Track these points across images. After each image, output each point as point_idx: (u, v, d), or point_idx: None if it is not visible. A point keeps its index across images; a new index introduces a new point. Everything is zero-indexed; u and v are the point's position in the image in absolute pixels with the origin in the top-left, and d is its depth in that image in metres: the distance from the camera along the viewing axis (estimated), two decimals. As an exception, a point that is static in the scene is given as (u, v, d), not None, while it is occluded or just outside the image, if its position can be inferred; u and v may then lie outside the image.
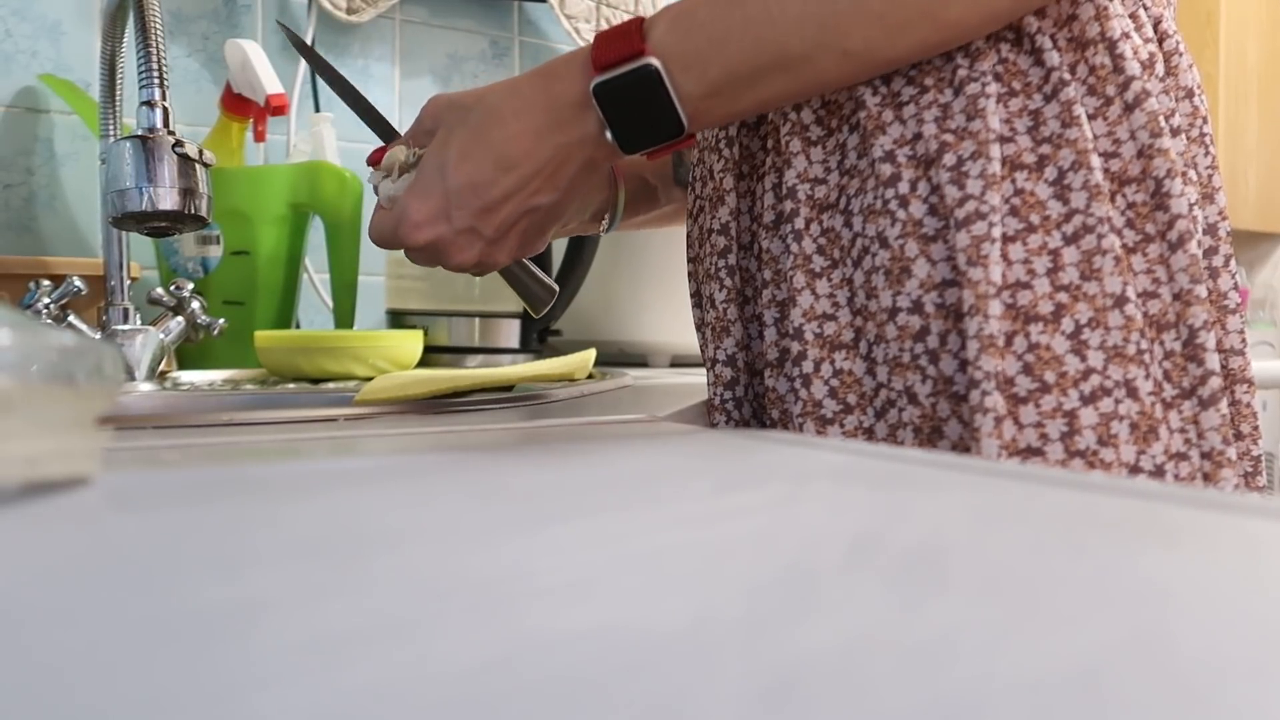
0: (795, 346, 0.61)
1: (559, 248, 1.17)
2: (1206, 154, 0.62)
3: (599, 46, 0.57)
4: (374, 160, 0.67)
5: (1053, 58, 0.57)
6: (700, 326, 0.72)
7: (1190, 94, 0.61)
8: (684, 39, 0.57)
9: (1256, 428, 0.61)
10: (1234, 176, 2.52)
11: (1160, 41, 0.62)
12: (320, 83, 1.45)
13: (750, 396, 0.68)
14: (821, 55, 0.56)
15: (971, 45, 0.57)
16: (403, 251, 0.65)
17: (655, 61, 0.56)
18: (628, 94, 0.57)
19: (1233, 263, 0.61)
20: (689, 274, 0.73)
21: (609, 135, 0.58)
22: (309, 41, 1.43)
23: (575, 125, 0.59)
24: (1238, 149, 2.53)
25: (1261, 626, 0.19)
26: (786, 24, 0.55)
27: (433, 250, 0.62)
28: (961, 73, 0.57)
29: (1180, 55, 0.62)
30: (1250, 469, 0.61)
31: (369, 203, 1.25)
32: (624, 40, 0.57)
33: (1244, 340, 0.61)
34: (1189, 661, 0.16)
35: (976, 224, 0.55)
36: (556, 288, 0.77)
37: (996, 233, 0.55)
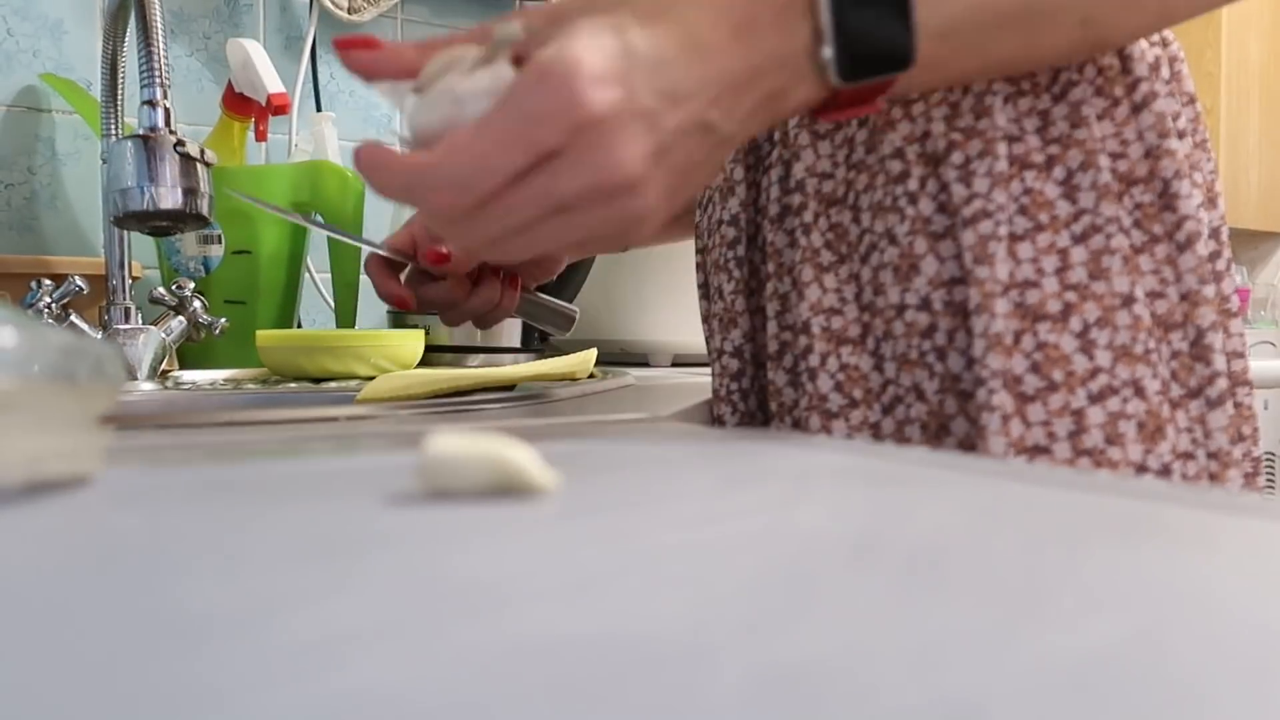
0: (802, 340, 0.61)
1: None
2: (1209, 159, 0.62)
3: None
4: (344, 45, 0.47)
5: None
6: (707, 318, 0.72)
7: (1192, 100, 0.62)
8: None
9: (1256, 429, 0.61)
10: (1236, 176, 2.52)
11: (1163, 46, 0.62)
12: (321, 82, 1.45)
13: (756, 389, 0.68)
14: (1064, 17, 0.50)
15: None
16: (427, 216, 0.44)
17: None
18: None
19: (1232, 266, 0.61)
20: (697, 265, 0.73)
21: (827, 52, 0.44)
22: (310, 41, 1.43)
23: (777, 34, 0.44)
24: (1239, 148, 2.53)
25: (1263, 627, 0.19)
26: None
27: (590, 127, 0.40)
28: None
29: (1181, 62, 0.62)
30: (1250, 470, 0.61)
31: (370, 202, 1.26)
32: None
33: (1244, 343, 0.61)
34: (1191, 662, 0.16)
35: (983, 222, 0.55)
36: (576, 311, 0.77)
37: (1003, 231, 0.55)
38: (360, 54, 0.46)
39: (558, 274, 0.77)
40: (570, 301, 1.19)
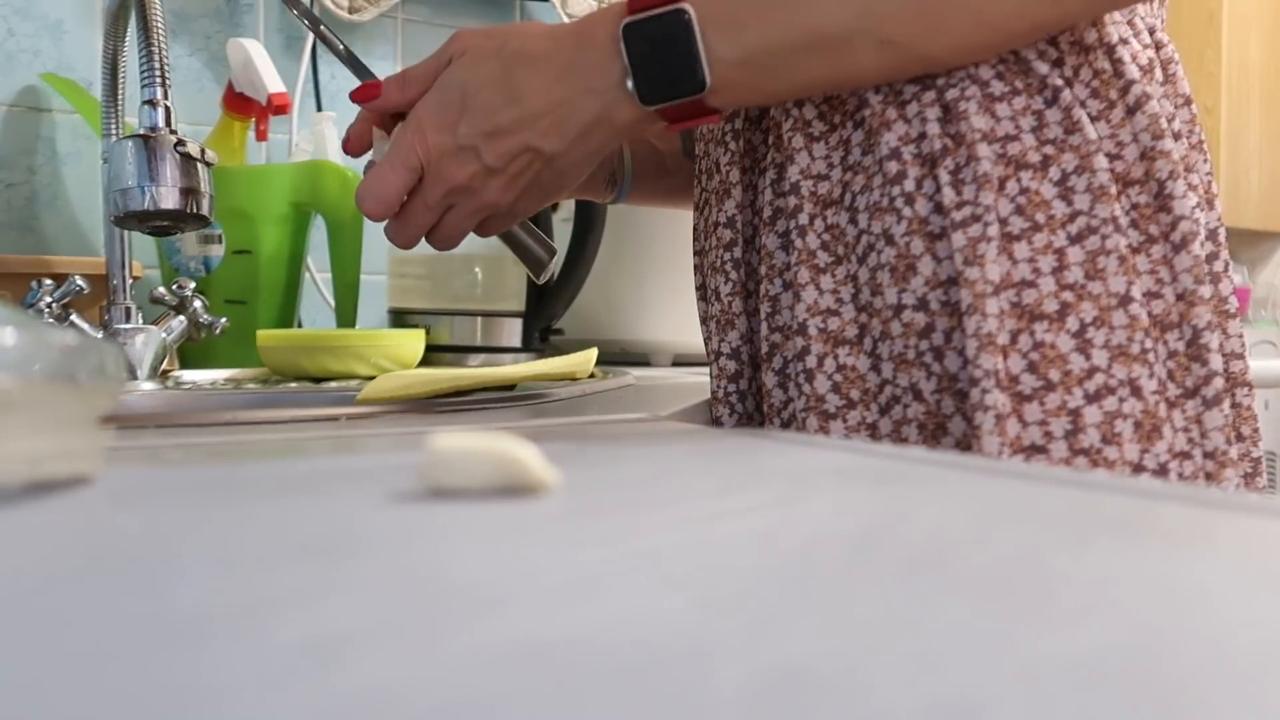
0: (798, 341, 0.61)
1: (561, 247, 1.17)
2: (1205, 160, 0.62)
3: None
4: (358, 96, 0.68)
5: (1048, 65, 0.57)
6: (705, 320, 0.73)
7: (1188, 101, 0.62)
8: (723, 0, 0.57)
9: (1256, 429, 0.61)
10: (1236, 176, 2.52)
11: (1157, 49, 0.62)
12: (322, 81, 1.46)
13: (753, 390, 0.68)
14: (860, 41, 0.55)
15: None
16: (369, 192, 0.64)
17: (689, 9, 0.56)
18: (655, 39, 0.57)
19: (1230, 267, 0.61)
20: (695, 267, 0.74)
21: (630, 84, 0.58)
22: (310, 41, 1.43)
23: (596, 71, 0.59)
24: (1240, 148, 2.53)
25: (1263, 624, 0.19)
26: (827, 2, 0.55)
27: (434, 156, 0.62)
28: (944, 79, 0.58)
29: (1176, 64, 0.62)
30: (1250, 470, 0.61)
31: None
32: None
33: (1244, 344, 0.61)
34: (1191, 660, 0.16)
35: (973, 225, 0.55)
36: (555, 247, 0.77)
37: (993, 231, 0.55)
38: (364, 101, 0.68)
39: (544, 206, 0.78)
40: (570, 301, 1.19)
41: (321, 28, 0.76)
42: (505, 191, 0.63)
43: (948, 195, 0.56)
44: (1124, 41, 0.59)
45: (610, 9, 0.60)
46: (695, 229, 0.73)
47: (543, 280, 0.78)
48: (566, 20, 1.61)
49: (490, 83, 0.61)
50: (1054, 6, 0.55)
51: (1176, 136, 0.60)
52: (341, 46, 0.75)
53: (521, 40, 0.61)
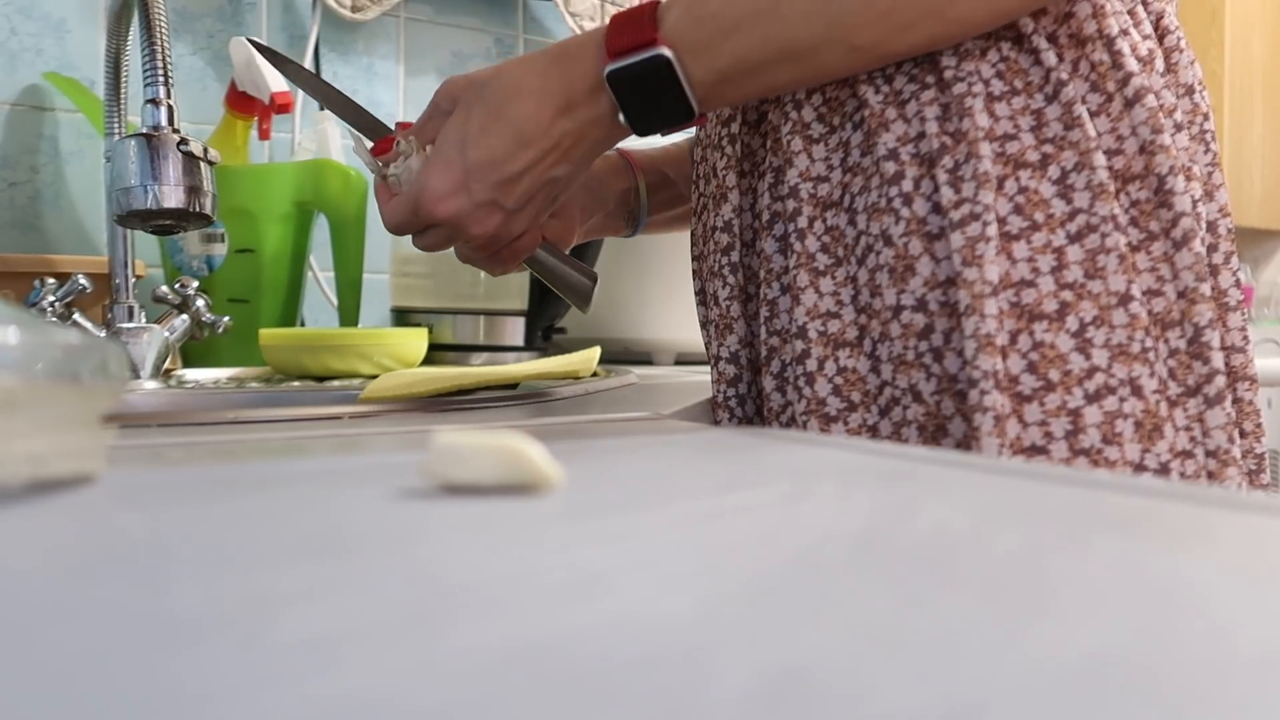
0: (797, 345, 0.61)
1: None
2: (1207, 151, 0.62)
3: (613, 32, 0.59)
4: (379, 150, 0.68)
5: (1050, 58, 0.57)
6: (704, 324, 0.72)
7: (1190, 91, 0.61)
8: (695, 28, 0.58)
9: (1260, 425, 0.61)
10: (1239, 174, 2.51)
11: (1161, 38, 0.61)
12: (325, 80, 1.46)
13: (754, 394, 0.68)
14: (828, 49, 0.57)
15: (967, 44, 0.57)
16: (411, 240, 0.67)
17: (667, 51, 0.57)
18: (640, 81, 0.58)
19: (1234, 260, 0.61)
20: (693, 272, 0.73)
21: (621, 118, 0.60)
22: (313, 40, 1.43)
23: (589, 106, 0.60)
24: (1243, 146, 2.53)
25: (1267, 623, 0.19)
26: (794, 18, 0.56)
27: (453, 224, 0.63)
28: (953, 72, 0.57)
29: (1181, 52, 0.62)
30: (1254, 467, 0.60)
31: (373, 200, 1.25)
32: (637, 28, 0.58)
33: (1246, 338, 0.60)
34: (1195, 659, 0.16)
35: (971, 225, 0.55)
36: (595, 273, 0.77)
37: (992, 231, 0.55)
38: None
39: (569, 247, 0.78)
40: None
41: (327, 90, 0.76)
42: (530, 221, 0.66)
43: (946, 194, 0.56)
44: (1124, 33, 0.58)
45: (588, 40, 0.61)
46: (693, 234, 0.73)
47: (589, 310, 0.78)
48: (569, 19, 1.61)
49: (487, 131, 0.61)
50: None
51: (1178, 128, 0.59)
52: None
53: (504, 79, 0.62)
